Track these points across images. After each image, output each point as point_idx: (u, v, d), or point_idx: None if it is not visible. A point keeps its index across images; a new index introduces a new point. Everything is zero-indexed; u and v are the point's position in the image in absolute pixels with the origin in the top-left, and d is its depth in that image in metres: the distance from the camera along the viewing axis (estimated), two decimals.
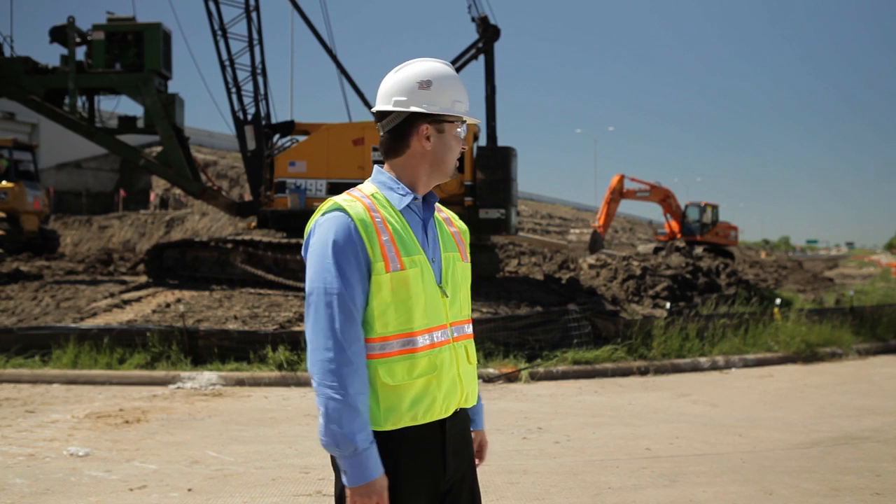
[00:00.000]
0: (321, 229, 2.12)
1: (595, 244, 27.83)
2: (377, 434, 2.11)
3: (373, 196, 2.20)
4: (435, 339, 2.18)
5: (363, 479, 2.05)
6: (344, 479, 2.08)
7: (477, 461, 2.45)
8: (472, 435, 2.43)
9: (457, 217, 2.44)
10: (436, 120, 2.20)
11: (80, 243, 31.07)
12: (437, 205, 2.35)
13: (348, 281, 2.07)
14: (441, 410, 2.18)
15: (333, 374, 2.05)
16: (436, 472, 2.20)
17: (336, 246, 2.08)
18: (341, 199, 2.17)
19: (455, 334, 2.25)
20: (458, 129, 2.25)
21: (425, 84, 2.20)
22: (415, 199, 2.22)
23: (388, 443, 2.12)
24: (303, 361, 9.28)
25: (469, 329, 2.34)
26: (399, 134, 2.21)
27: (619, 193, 30.21)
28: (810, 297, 18.73)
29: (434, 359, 2.17)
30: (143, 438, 6.64)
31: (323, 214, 2.14)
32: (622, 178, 30.30)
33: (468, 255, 2.40)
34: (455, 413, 2.25)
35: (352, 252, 2.08)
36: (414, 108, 2.19)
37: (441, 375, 2.18)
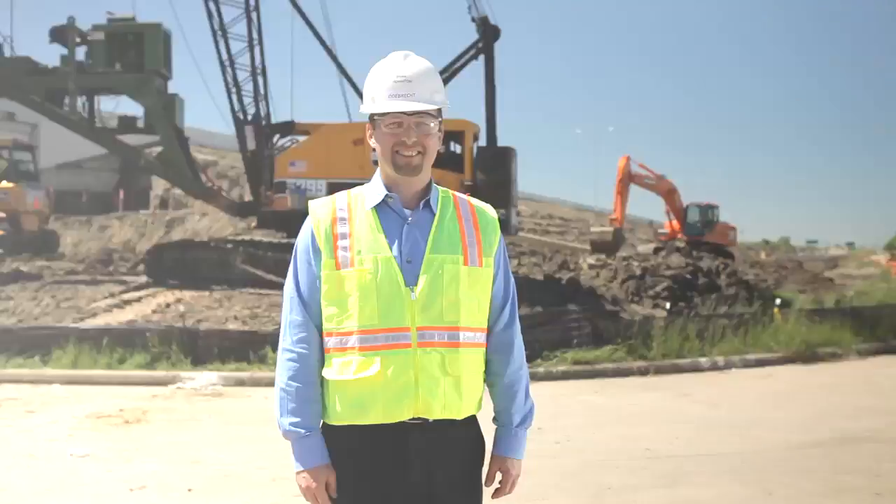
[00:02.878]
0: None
1: (618, 241, 27.55)
2: (327, 426, 2.18)
3: (357, 195, 2.23)
4: (385, 341, 2.08)
5: (300, 465, 2.19)
6: None
7: (494, 494, 2.28)
8: (492, 461, 2.28)
9: (489, 216, 2.26)
10: (371, 118, 2.22)
11: (80, 243, 31.04)
12: (468, 203, 2.25)
13: (303, 279, 2.21)
14: (383, 415, 2.08)
15: (279, 362, 2.22)
16: (387, 479, 2.11)
17: (298, 248, 2.24)
18: (319, 200, 2.26)
19: (425, 339, 2.09)
20: (392, 122, 2.14)
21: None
22: (388, 197, 2.17)
23: (335, 437, 2.17)
24: None
25: (460, 337, 2.13)
26: None
27: (628, 177, 29.91)
28: (810, 298, 18.71)
29: (381, 361, 2.08)
30: (143, 438, 6.64)
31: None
32: (629, 159, 30.01)
33: (483, 259, 2.20)
34: (430, 422, 2.11)
35: (310, 253, 2.20)
36: (362, 113, 2.24)
37: (386, 379, 2.07)
